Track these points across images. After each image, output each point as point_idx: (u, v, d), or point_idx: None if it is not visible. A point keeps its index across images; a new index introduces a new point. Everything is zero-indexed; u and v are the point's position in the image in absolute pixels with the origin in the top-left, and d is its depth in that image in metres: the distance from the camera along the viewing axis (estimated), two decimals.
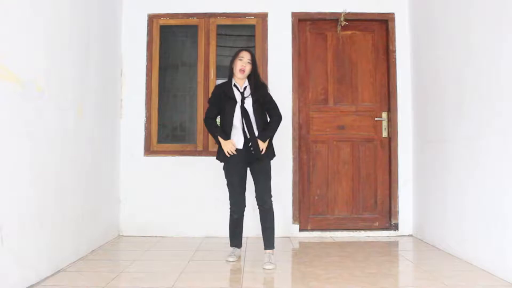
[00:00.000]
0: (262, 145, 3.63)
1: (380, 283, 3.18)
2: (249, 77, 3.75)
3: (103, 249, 4.20)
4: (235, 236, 3.88)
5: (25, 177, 2.94)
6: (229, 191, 3.78)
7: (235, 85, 3.75)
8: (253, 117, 3.66)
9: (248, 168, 3.78)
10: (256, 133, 3.65)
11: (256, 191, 3.72)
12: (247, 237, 4.66)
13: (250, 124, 3.63)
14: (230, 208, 3.79)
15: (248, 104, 3.67)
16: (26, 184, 2.95)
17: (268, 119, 3.77)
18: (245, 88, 3.73)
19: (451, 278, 3.21)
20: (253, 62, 3.75)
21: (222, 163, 3.81)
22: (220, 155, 3.74)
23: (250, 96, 3.68)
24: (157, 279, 3.20)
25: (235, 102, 3.67)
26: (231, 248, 3.90)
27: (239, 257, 3.86)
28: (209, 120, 3.75)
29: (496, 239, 3.31)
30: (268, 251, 3.67)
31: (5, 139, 2.70)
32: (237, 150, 3.66)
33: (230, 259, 3.77)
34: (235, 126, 3.68)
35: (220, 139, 3.67)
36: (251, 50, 3.81)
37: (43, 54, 3.20)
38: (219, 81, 5.30)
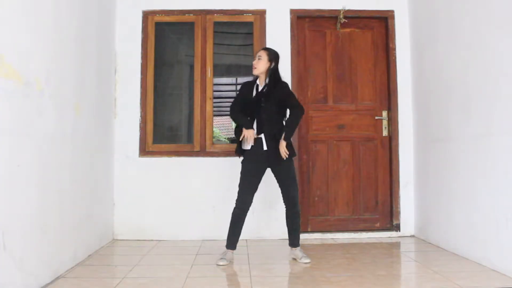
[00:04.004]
0: (282, 147, 3.65)
1: (393, 285, 3.12)
2: (272, 75, 3.79)
3: (99, 254, 4.04)
4: (234, 234, 3.73)
5: (27, 180, 2.80)
6: (240, 187, 3.72)
7: (257, 84, 3.83)
8: (266, 116, 3.70)
9: (270, 170, 3.79)
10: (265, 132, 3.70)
11: (285, 196, 3.76)
12: (246, 240, 4.57)
13: (261, 123, 3.70)
14: (235, 203, 3.71)
15: (265, 103, 3.70)
16: (28, 186, 2.82)
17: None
18: (264, 86, 3.77)
19: (463, 279, 3.14)
20: (270, 59, 3.79)
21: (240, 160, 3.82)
22: (241, 149, 3.78)
23: (267, 94, 3.72)
24: (163, 285, 3.07)
25: (251, 100, 3.77)
26: (224, 249, 3.75)
27: (231, 261, 3.71)
28: (234, 107, 3.83)
29: (507, 239, 3.25)
30: (296, 248, 3.81)
31: (6, 139, 2.57)
32: (258, 150, 3.70)
33: (221, 263, 3.63)
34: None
35: (245, 125, 3.70)
36: (267, 48, 3.93)
37: (44, 52, 3.07)
38: (216, 80, 5.22)
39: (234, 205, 3.72)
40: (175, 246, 4.39)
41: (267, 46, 4.79)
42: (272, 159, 3.69)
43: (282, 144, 3.65)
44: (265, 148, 3.69)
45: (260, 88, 3.78)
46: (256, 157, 3.70)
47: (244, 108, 3.76)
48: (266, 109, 3.69)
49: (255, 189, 3.72)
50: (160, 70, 4.98)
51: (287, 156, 3.65)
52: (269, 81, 3.76)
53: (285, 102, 3.75)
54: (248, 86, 3.86)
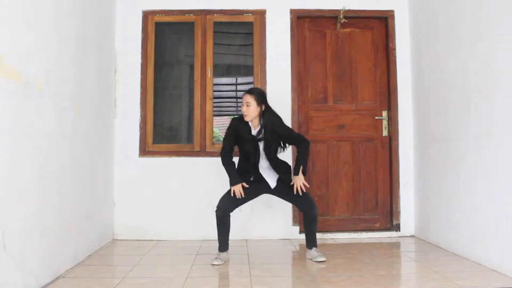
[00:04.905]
0: (300, 180, 3.69)
1: (393, 285, 3.11)
2: (265, 117, 3.73)
3: (99, 254, 4.04)
4: (222, 237, 3.73)
5: (27, 180, 2.80)
6: (225, 196, 3.76)
7: (250, 127, 3.78)
8: (264, 156, 3.76)
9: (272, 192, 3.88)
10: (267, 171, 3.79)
11: (299, 206, 3.83)
12: (246, 240, 4.59)
13: (257, 164, 3.77)
14: (216, 207, 3.72)
15: (261, 145, 3.75)
16: (28, 186, 2.81)
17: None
18: (259, 131, 3.74)
19: (463, 279, 3.13)
20: (259, 100, 3.71)
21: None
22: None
23: (262, 137, 3.72)
24: (163, 285, 3.07)
25: (250, 141, 3.74)
26: (217, 251, 3.77)
27: (226, 260, 3.72)
28: (225, 154, 3.78)
29: (507, 239, 3.25)
30: (314, 248, 3.79)
31: (6, 139, 2.56)
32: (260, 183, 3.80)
33: (215, 262, 3.62)
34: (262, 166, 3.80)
35: (231, 180, 3.71)
36: (253, 90, 3.79)
37: (44, 52, 3.07)
38: (216, 80, 5.21)
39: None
40: (175, 246, 4.39)
41: (267, 46, 4.84)
42: (279, 192, 3.81)
43: (300, 179, 3.69)
44: (272, 186, 3.78)
45: (253, 132, 3.75)
46: (257, 185, 3.77)
47: (244, 148, 3.77)
48: (267, 155, 3.74)
49: (240, 205, 3.77)
50: (160, 70, 4.98)
51: (303, 191, 3.69)
52: (264, 126, 3.72)
53: (288, 140, 3.81)
54: (240, 126, 3.76)
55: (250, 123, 3.75)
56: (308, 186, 3.75)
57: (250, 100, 3.69)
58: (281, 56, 4.86)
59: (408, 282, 3.36)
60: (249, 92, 3.75)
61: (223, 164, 3.77)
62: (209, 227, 4.56)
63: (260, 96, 3.72)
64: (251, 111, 3.68)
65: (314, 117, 4.92)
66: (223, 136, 3.86)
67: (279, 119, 3.77)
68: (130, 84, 4.81)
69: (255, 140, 3.73)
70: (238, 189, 3.66)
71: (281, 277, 3.31)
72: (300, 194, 3.68)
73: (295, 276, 3.39)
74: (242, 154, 3.82)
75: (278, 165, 3.79)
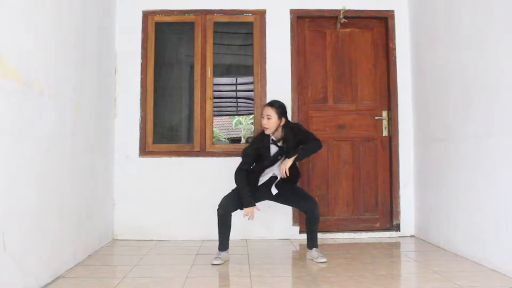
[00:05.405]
0: (286, 165, 3.65)
1: (393, 285, 3.11)
2: (286, 127, 3.76)
3: (99, 254, 4.04)
4: (222, 236, 3.72)
5: (27, 180, 2.80)
6: (229, 196, 3.76)
7: (273, 139, 3.78)
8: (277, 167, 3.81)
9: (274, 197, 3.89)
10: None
11: (302, 207, 3.83)
12: (246, 240, 4.59)
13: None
14: (219, 205, 3.72)
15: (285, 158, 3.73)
16: (28, 186, 2.81)
17: None
18: (282, 140, 3.74)
19: (463, 279, 3.14)
20: (280, 113, 3.71)
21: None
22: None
23: (288, 151, 3.72)
24: (163, 285, 3.07)
25: (269, 156, 3.76)
26: (217, 250, 3.76)
27: (226, 260, 3.73)
28: (241, 173, 3.72)
29: (507, 239, 3.25)
30: (314, 249, 3.81)
31: (6, 139, 2.56)
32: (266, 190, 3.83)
33: (216, 262, 3.62)
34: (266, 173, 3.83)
35: (244, 202, 3.66)
36: (274, 103, 3.77)
37: (44, 52, 3.07)
38: (216, 80, 5.22)
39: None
40: (175, 246, 4.39)
41: (267, 46, 4.83)
42: (281, 199, 3.85)
43: (287, 162, 3.65)
44: (274, 192, 3.78)
45: (278, 143, 3.75)
46: (261, 193, 3.79)
47: (259, 161, 3.75)
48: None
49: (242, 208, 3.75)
50: (160, 70, 4.98)
51: (285, 176, 3.67)
52: (287, 137, 3.72)
53: (303, 138, 3.77)
54: (262, 143, 3.78)
55: (271, 136, 3.75)
56: (288, 175, 3.66)
57: (271, 113, 3.70)
58: (281, 56, 4.86)
59: (408, 282, 3.37)
60: (270, 104, 3.75)
61: (237, 182, 3.70)
62: (209, 227, 4.58)
63: (281, 109, 3.74)
64: (271, 124, 3.70)
65: (314, 117, 4.92)
66: (244, 150, 3.83)
67: (298, 127, 3.82)
68: (130, 84, 4.81)
69: (275, 158, 3.75)
70: (251, 212, 3.63)
71: (281, 277, 3.31)
72: (285, 176, 3.65)
73: (295, 276, 3.40)
74: (255, 168, 3.80)
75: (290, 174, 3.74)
